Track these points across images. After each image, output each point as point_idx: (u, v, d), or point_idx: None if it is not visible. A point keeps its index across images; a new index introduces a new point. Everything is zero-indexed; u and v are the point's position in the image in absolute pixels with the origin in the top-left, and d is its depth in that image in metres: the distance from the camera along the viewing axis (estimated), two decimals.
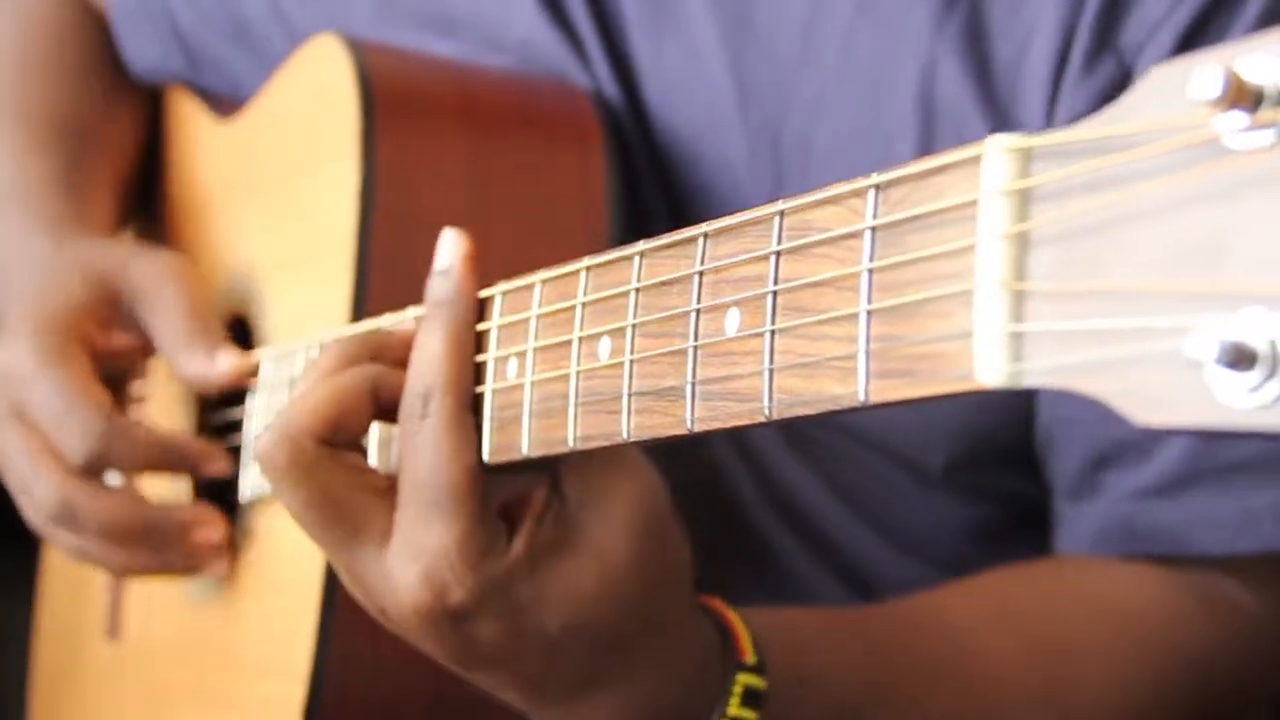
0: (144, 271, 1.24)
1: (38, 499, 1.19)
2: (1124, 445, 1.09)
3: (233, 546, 1.20)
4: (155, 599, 1.31)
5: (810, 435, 1.19)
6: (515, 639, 0.90)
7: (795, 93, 1.15)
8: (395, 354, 0.94)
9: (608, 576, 0.89)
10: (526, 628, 0.89)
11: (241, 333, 1.26)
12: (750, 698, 0.94)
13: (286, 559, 1.14)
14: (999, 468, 1.18)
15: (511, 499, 0.90)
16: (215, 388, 1.19)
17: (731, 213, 1.14)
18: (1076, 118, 1.04)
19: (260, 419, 1.16)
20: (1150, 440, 1.08)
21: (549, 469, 0.90)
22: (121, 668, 1.37)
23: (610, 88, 1.20)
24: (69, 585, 1.51)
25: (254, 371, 1.18)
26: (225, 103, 1.42)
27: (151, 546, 1.19)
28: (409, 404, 0.90)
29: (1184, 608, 1.11)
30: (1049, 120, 1.09)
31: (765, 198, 1.14)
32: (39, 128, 1.42)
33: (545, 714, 0.95)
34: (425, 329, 0.91)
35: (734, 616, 0.96)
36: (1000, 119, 1.10)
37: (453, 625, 0.89)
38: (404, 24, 1.26)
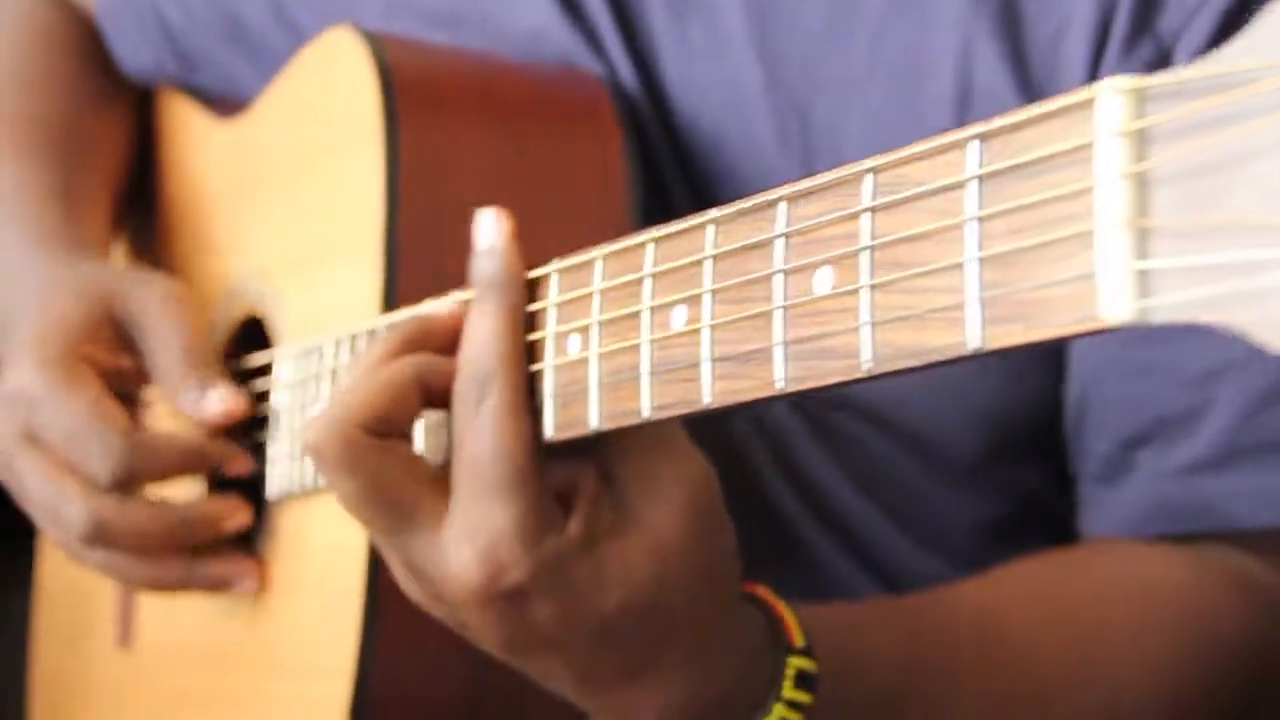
0: (141, 299, 1.23)
1: (67, 522, 1.18)
2: (1161, 423, 1.10)
3: (260, 560, 1.19)
4: (173, 604, 1.30)
5: (837, 429, 1.19)
6: (570, 621, 0.90)
7: (824, 75, 1.16)
8: (440, 340, 0.94)
9: (662, 560, 0.90)
10: (582, 610, 0.89)
11: (256, 333, 1.26)
12: (802, 680, 0.94)
13: (321, 556, 1.13)
14: (1020, 463, 1.19)
15: (562, 483, 0.91)
16: (208, 425, 1.19)
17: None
18: None
19: (288, 417, 1.16)
20: (1190, 418, 1.09)
21: (594, 453, 0.91)
22: (135, 676, 1.36)
23: (626, 72, 1.20)
24: (69, 596, 1.50)
25: (248, 410, 1.19)
26: (222, 102, 1.41)
27: (184, 557, 1.19)
28: (463, 387, 0.90)
29: (1214, 588, 1.11)
30: None
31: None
32: (32, 140, 1.41)
33: (594, 701, 0.94)
34: (476, 310, 0.91)
35: (779, 602, 0.97)
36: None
37: (509, 606, 0.89)
38: (409, 20, 1.26)
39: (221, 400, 1.18)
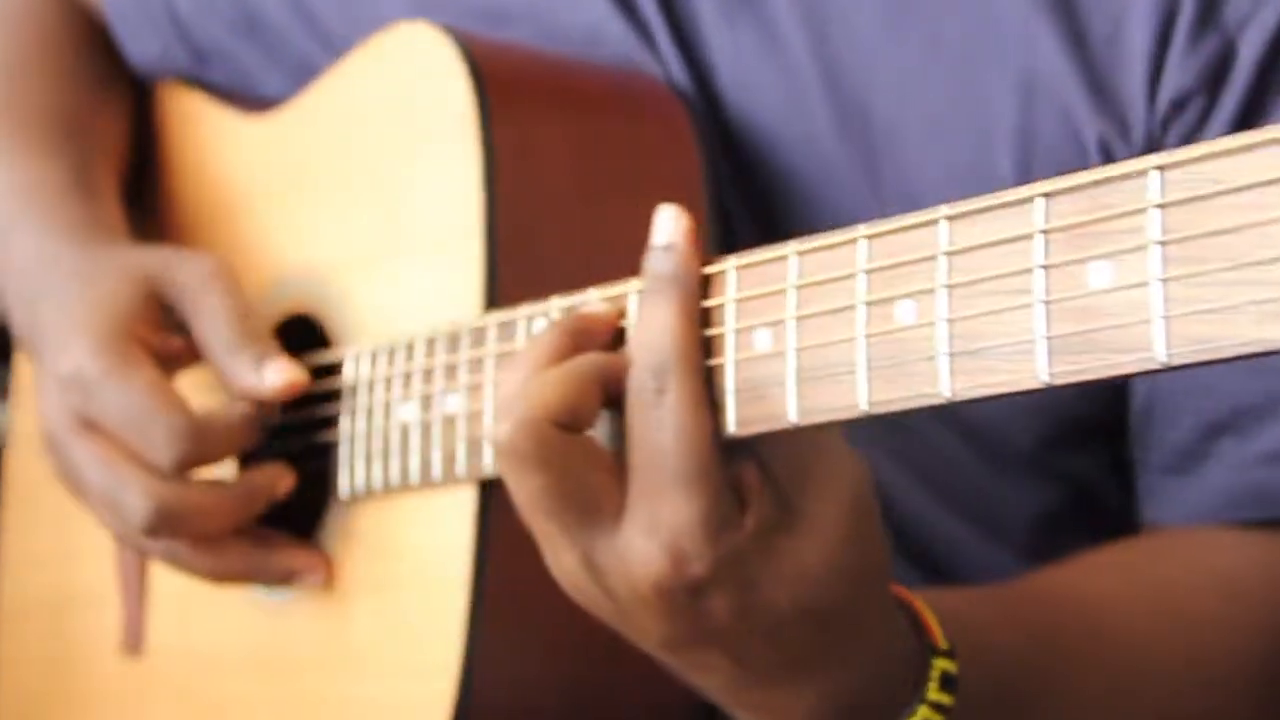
0: (188, 274, 1.20)
1: (129, 509, 1.14)
2: (1238, 413, 1.13)
3: (327, 559, 1.17)
4: (202, 606, 1.26)
5: (892, 419, 1.21)
6: (745, 615, 0.90)
7: (881, 70, 1.17)
8: (600, 337, 0.95)
9: (829, 557, 0.91)
10: (757, 605, 0.90)
11: (304, 331, 1.23)
12: (946, 682, 0.96)
13: (413, 555, 1.11)
14: (1078, 450, 1.22)
15: (732, 478, 0.91)
16: (267, 400, 1.16)
17: (821, 191, 1.18)
18: (1183, 93, 1.10)
19: (364, 418, 1.14)
20: (1269, 406, 1.12)
21: (748, 450, 0.91)
22: (150, 685, 1.31)
23: (678, 71, 1.21)
24: (41, 611, 1.45)
25: (308, 382, 1.16)
26: (234, 98, 1.38)
27: (250, 547, 1.16)
28: (639, 381, 0.90)
29: None
30: (1152, 95, 1.12)
31: (859, 176, 1.18)
32: (41, 131, 1.37)
33: (747, 697, 0.95)
34: (651, 304, 0.91)
35: (918, 600, 0.98)
36: (1100, 91, 1.13)
37: (687, 599, 0.89)
38: (445, 14, 1.24)
39: (281, 372, 1.15)
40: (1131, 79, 1.13)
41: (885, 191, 1.18)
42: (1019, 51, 1.14)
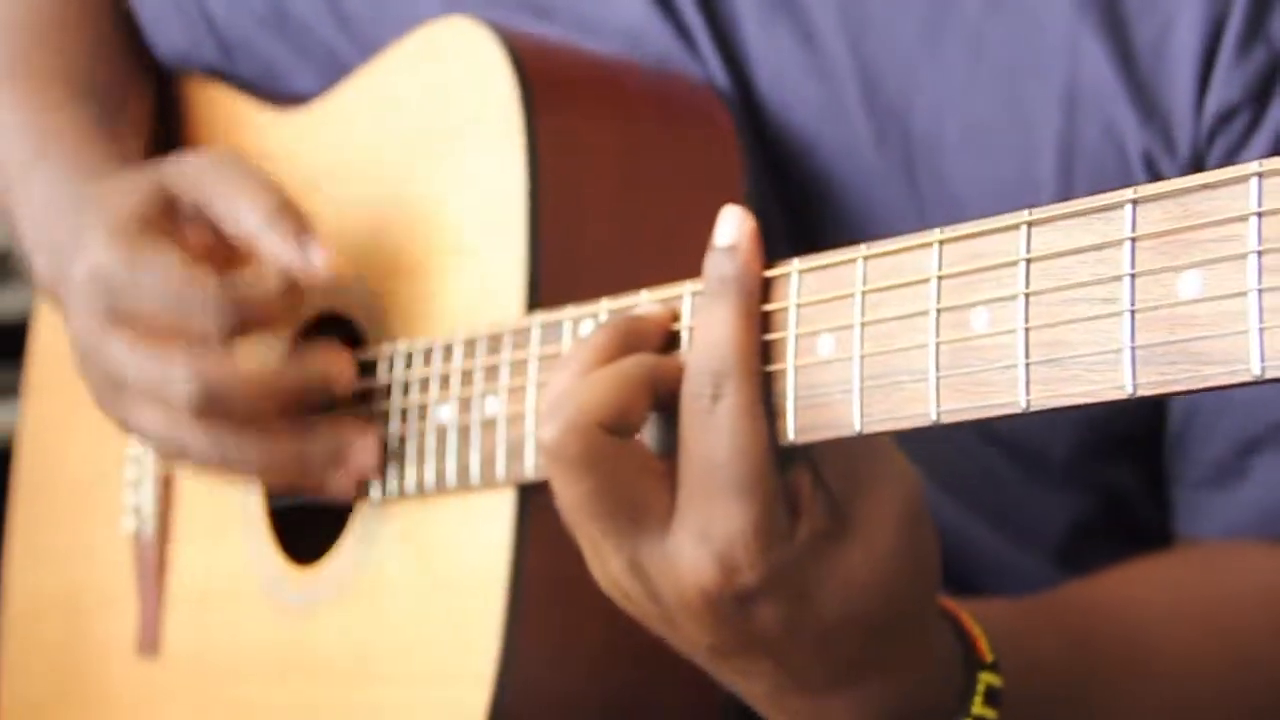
0: (201, 166, 1.16)
1: (175, 391, 1.09)
2: (1276, 428, 1.12)
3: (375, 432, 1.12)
4: (221, 607, 1.24)
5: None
6: (794, 625, 0.89)
7: (921, 79, 1.16)
8: (652, 340, 0.93)
9: (879, 567, 0.89)
10: (806, 615, 0.89)
11: (336, 331, 1.21)
12: (991, 697, 0.95)
13: (447, 560, 1.08)
14: (1114, 461, 1.20)
15: (785, 486, 0.89)
16: (314, 281, 1.11)
17: (858, 199, 1.16)
18: (1230, 106, 1.09)
19: (398, 420, 1.11)
20: None
21: (803, 458, 0.90)
22: (166, 686, 1.29)
23: (719, 74, 1.19)
24: (53, 608, 1.42)
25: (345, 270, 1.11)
26: (261, 92, 1.36)
27: (294, 428, 1.11)
28: (695, 385, 0.88)
29: None
30: (1199, 108, 1.11)
31: (897, 184, 1.17)
32: (67, 86, 1.35)
33: (792, 705, 0.94)
34: (710, 307, 0.89)
35: (964, 612, 0.96)
36: (1146, 103, 1.11)
37: (736, 607, 0.88)
38: (481, 8, 1.22)
39: (322, 257, 1.10)
40: (1177, 91, 1.11)
41: (924, 201, 1.17)
42: (1063, 62, 1.13)
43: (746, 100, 1.19)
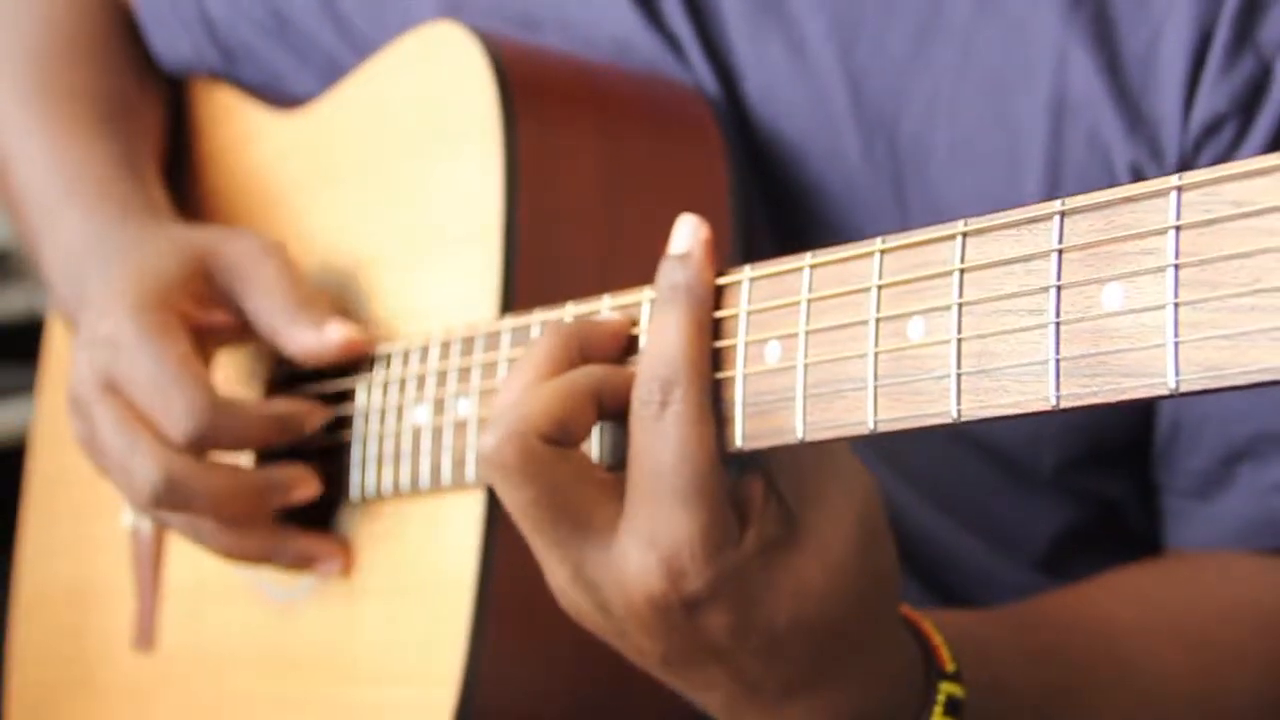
0: (240, 249, 1.19)
1: (139, 477, 1.12)
2: (1260, 440, 1.12)
3: (346, 549, 1.16)
4: (213, 603, 1.25)
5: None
6: (742, 633, 0.89)
7: (910, 90, 1.16)
8: (606, 346, 0.93)
9: (832, 574, 0.89)
10: (755, 622, 0.89)
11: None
12: (951, 707, 0.94)
13: (421, 560, 1.10)
14: (1102, 470, 1.20)
15: (734, 493, 0.89)
16: (327, 361, 1.15)
17: (846, 208, 1.16)
18: (1217, 116, 1.08)
19: (377, 420, 1.13)
20: None
21: (757, 464, 0.90)
22: (159, 680, 1.31)
23: (708, 83, 1.19)
24: (61, 599, 1.44)
25: (369, 343, 1.14)
26: (265, 95, 1.37)
27: (268, 529, 1.15)
28: (645, 392, 0.88)
29: None
30: (1186, 118, 1.10)
31: (884, 195, 1.17)
32: (85, 111, 1.37)
33: (749, 715, 0.93)
34: (662, 315, 0.90)
35: (926, 622, 0.96)
36: (1133, 113, 1.11)
37: (684, 615, 0.88)
38: (472, 18, 1.24)
39: (340, 332, 1.14)
40: (1165, 101, 1.11)
41: (911, 210, 1.17)
42: (1051, 73, 1.13)
43: (735, 109, 1.20)
